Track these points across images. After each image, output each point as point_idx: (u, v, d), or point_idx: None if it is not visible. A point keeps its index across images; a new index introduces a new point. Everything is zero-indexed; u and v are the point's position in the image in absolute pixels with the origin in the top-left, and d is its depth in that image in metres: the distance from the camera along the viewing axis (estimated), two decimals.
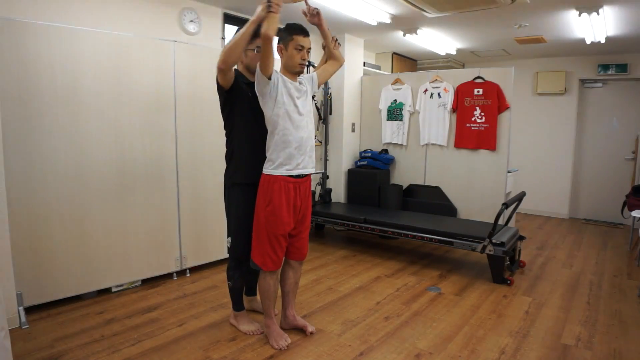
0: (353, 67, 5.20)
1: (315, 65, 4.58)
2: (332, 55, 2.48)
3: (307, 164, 2.31)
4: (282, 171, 2.24)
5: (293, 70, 2.26)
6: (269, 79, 2.15)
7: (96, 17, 3.17)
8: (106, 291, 3.07)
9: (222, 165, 3.57)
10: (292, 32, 2.21)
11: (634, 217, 4.40)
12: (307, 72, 2.46)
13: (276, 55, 2.26)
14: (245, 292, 2.76)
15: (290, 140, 2.23)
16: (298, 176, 2.28)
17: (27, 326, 2.55)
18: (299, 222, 2.37)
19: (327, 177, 5.19)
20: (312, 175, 2.42)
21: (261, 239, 2.29)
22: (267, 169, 2.28)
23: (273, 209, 2.24)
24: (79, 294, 2.90)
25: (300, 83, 2.32)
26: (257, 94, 2.24)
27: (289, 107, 2.22)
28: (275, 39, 2.11)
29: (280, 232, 2.28)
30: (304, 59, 2.23)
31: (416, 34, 4.68)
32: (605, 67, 5.72)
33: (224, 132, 2.46)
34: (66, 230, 2.77)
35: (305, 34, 2.22)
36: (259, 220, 2.29)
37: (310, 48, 2.26)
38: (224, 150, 3.69)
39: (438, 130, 4.66)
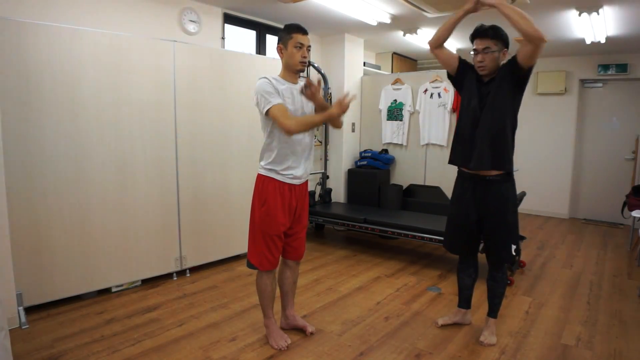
0: (353, 67, 5.21)
1: (317, 66, 4.60)
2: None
3: (301, 175, 2.30)
4: (277, 176, 2.24)
5: (294, 69, 2.24)
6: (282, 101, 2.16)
7: (96, 17, 3.17)
8: (106, 291, 3.06)
9: (222, 165, 3.60)
10: (290, 30, 2.20)
11: (634, 217, 4.40)
12: (307, 75, 2.45)
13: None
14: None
15: (287, 154, 2.22)
16: (291, 183, 2.28)
17: (27, 326, 2.55)
18: (295, 221, 2.37)
19: (327, 177, 5.19)
20: (312, 175, 2.41)
21: (257, 239, 2.29)
22: (262, 170, 2.27)
23: (268, 209, 2.23)
24: (79, 294, 2.90)
25: (298, 87, 2.28)
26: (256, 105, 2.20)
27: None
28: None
29: (275, 233, 2.27)
30: (304, 57, 2.22)
31: (416, 34, 4.68)
32: (605, 67, 5.71)
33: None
34: (66, 230, 2.77)
35: (304, 32, 2.21)
36: (254, 220, 2.29)
37: (310, 46, 2.25)
38: (224, 149, 3.70)
39: (438, 130, 4.66)
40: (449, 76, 2.52)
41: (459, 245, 2.54)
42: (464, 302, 2.64)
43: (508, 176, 2.33)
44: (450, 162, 2.49)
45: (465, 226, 2.44)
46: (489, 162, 2.28)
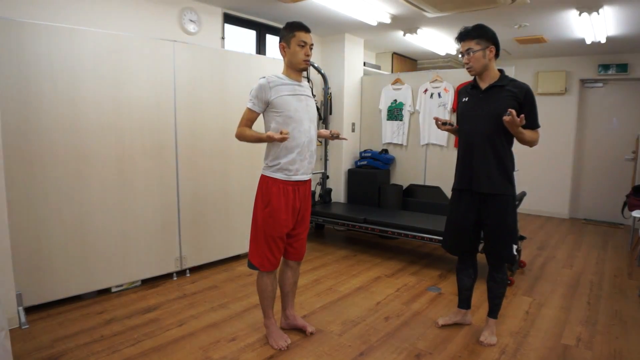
0: (353, 67, 5.20)
1: (317, 66, 4.60)
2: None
3: (307, 170, 2.30)
4: (281, 175, 2.23)
5: (298, 68, 2.24)
6: (258, 112, 2.24)
7: (96, 17, 3.17)
8: (106, 291, 3.06)
9: (222, 165, 3.59)
10: (293, 28, 2.19)
11: (634, 217, 4.40)
12: (308, 79, 2.46)
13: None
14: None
15: (292, 147, 2.21)
16: (297, 181, 2.28)
17: (27, 326, 2.54)
18: (298, 223, 2.36)
19: (327, 177, 5.18)
20: (312, 175, 2.41)
21: (259, 240, 2.28)
22: (266, 172, 2.27)
23: (271, 211, 2.23)
24: (79, 294, 2.90)
25: (303, 85, 2.30)
26: None
27: (288, 112, 2.20)
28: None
29: (278, 234, 2.27)
30: (307, 55, 2.22)
31: (416, 34, 4.68)
32: (606, 67, 5.71)
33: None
34: (66, 230, 2.77)
35: (307, 30, 2.21)
36: (256, 222, 2.29)
37: (312, 44, 2.25)
38: (224, 149, 3.69)
39: (438, 130, 4.63)
40: None
41: (459, 246, 2.54)
42: (464, 302, 2.64)
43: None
44: (455, 188, 2.51)
45: (464, 227, 2.44)
46: (491, 185, 2.33)
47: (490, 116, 2.28)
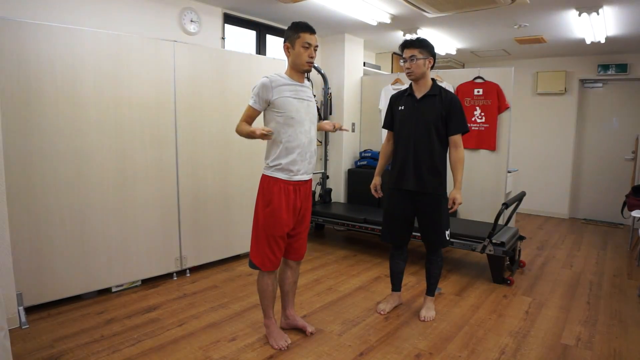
0: (353, 67, 5.20)
1: (317, 66, 4.60)
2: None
3: (307, 170, 2.31)
4: (282, 175, 2.24)
5: (301, 69, 2.25)
6: (259, 110, 2.24)
7: (96, 17, 3.17)
8: (106, 291, 3.06)
9: (222, 165, 3.60)
10: (298, 29, 2.19)
11: (634, 217, 4.40)
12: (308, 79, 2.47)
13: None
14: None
15: (293, 147, 2.22)
16: (298, 181, 2.28)
17: (27, 326, 2.55)
18: (298, 222, 2.37)
19: (327, 177, 5.19)
20: (312, 176, 2.41)
21: (260, 240, 2.28)
22: (267, 171, 2.27)
23: (272, 211, 2.23)
24: (79, 294, 2.90)
25: (305, 86, 2.31)
26: None
27: (290, 112, 2.20)
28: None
29: (279, 234, 2.27)
30: (311, 57, 2.22)
31: (416, 34, 4.68)
32: (605, 67, 5.72)
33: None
34: (66, 230, 2.77)
35: (312, 31, 2.21)
36: (257, 221, 2.29)
37: (317, 46, 2.25)
38: (224, 149, 3.69)
39: None
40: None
41: (395, 237, 2.76)
42: (397, 285, 2.90)
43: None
44: (394, 184, 2.69)
45: (400, 221, 2.70)
46: (423, 185, 2.57)
47: (425, 123, 2.54)
